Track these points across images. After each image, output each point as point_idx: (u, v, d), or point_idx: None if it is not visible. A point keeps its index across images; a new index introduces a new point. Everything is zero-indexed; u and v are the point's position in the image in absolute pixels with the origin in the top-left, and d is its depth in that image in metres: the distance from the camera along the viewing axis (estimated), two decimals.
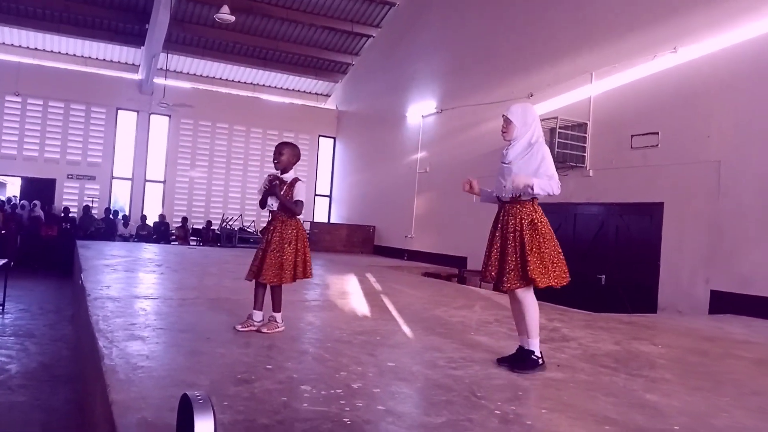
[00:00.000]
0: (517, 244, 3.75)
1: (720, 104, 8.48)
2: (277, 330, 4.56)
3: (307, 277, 4.68)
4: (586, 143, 10.40)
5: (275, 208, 4.57)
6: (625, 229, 9.75)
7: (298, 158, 4.72)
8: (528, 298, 3.81)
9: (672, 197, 9.00)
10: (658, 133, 9.25)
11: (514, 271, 3.73)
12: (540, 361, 3.82)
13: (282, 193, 4.52)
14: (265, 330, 4.53)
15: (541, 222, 3.79)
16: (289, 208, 4.51)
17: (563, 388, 3.48)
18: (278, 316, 4.61)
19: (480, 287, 10.67)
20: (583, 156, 10.39)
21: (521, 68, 12.07)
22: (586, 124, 10.41)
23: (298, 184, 4.58)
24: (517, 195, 3.81)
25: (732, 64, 8.35)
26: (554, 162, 10.92)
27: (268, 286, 4.59)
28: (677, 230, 8.90)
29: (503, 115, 3.95)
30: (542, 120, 10.26)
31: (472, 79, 13.62)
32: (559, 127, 10.23)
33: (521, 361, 3.81)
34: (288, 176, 4.61)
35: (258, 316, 4.59)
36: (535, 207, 3.83)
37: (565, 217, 10.72)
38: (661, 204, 9.12)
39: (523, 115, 3.90)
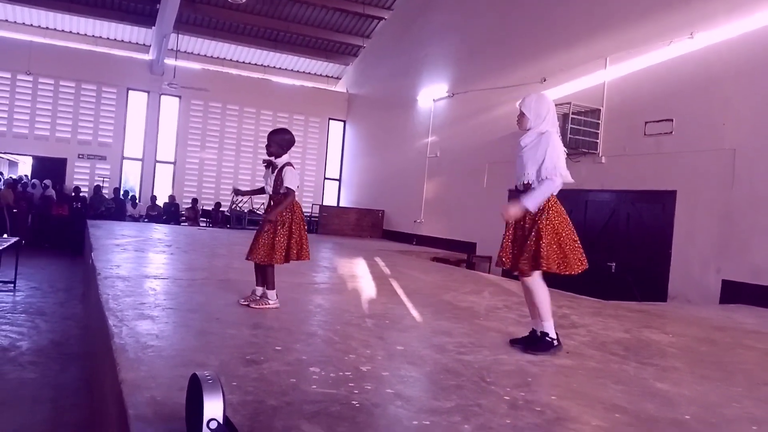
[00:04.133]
0: (528, 232, 3.77)
1: (736, 92, 8.35)
2: (266, 306, 4.65)
3: (302, 259, 4.77)
4: (599, 129, 10.30)
5: (271, 192, 4.72)
6: (637, 217, 9.67)
7: (290, 144, 4.78)
8: (535, 283, 3.82)
9: (685, 185, 8.90)
10: (672, 120, 9.13)
11: (527, 258, 3.74)
12: (555, 342, 3.84)
13: (274, 177, 4.66)
14: (253, 305, 4.65)
15: (552, 210, 3.77)
16: (285, 207, 4.60)
17: (573, 376, 3.46)
18: (271, 293, 4.70)
19: (489, 272, 10.66)
20: (596, 142, 10.29)
21: (534, 52, 11.93)
22: (600, 110, 10.30)
23: (287, 170, 4.65)
24: (530, 184, 3.82)
25: (749, 50, 8.21)
26: (567, 148, 10.87)
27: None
28: (689, 219, 8.82)
29: (518, 106, 3.96)
30: (555, 105, 10.29)
31: (484, 63, 13.49)
32: (572, 113, 10.12)
33: (534, 342, 3.86)
34: (280, 161, 4.71)
35: (259, 291, 4.74)
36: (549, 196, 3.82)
37: (576, 203, 10.63)
38: (674, 192, 9.04)
39: (536, 107, 3.88)
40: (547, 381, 3.31)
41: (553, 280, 3.92)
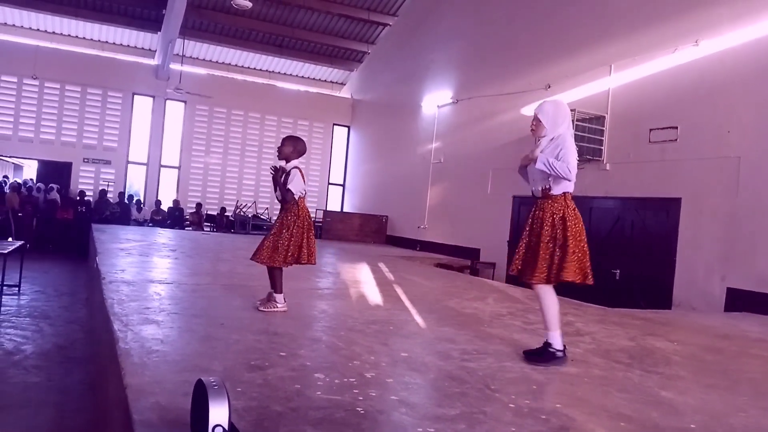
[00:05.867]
0: (546, 240, 3.74)
1: (741, 99, 8.34)
2: (275, 310, 4.76)
3: (306, 263, 4.86)
4: (603, 136, 10.29)
5: (280, 198, 4.90)
6: (641, 224, 9.65)
7: (302, 152, 4.96)
8: (545, 292, 3.79)
9: (690, 193, 8.89)
10: (677, 128, 9.12)
11: (541, 266, 3.71)
12: (559, 353, 3.77)
13: (281, 180, 4.82)
14: (262, 308, 4.77)
15: (573, 219, 3.76)
16: (282, 193, 4.80)
17: (577, 383, 3.45)
18: (279, 296, 4.81)
19: (493, 279, 10.65)
20: (601, 149, 10.28)
21: (539, 59, 11.94)
22: (604, 116, 10.29)
23: (293, 172, 4.82)
24: (548, 189, 3.80)
25: (754, 58, 8.20)
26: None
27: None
28: (694, 226, 8.80)
29: (534, 112, 3.91)
30: None
31: (489, 69, 13.51)
32: (577, 120, 10.09)
33: (538, 353, 3.80)
34: (289, 166, 4.88)
35: (279, 297, 4.88)
36: (567, 202, 3.80)
37: (580, 210, 10.43)
38: (679, 199, 9.02)
39: (554, 116, 3.84)
40: (552, 389, 3.31)
41: (557, 286, 3.89)
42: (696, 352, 4.78)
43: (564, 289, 4.11)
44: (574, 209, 3.81)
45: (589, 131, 10.22)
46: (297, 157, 4.90)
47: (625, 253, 9.74)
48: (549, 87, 11.42)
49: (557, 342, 3.78)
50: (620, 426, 2.76)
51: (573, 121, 9.86)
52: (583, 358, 4.11)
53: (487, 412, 2.79)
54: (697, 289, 8.65)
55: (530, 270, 3.75)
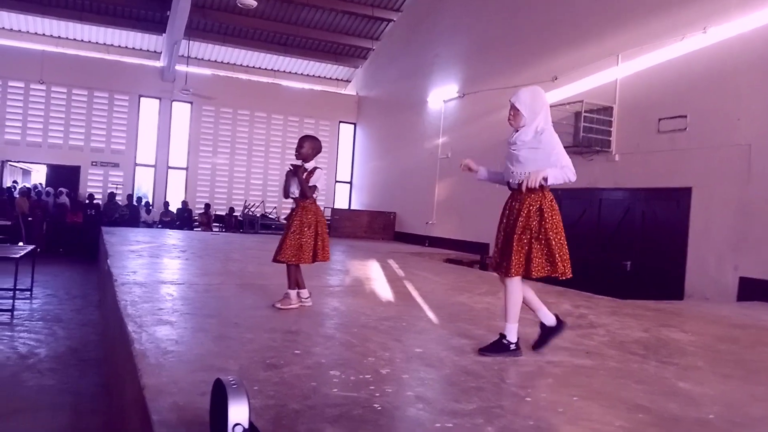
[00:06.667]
0: (520, 232, 3.62)
1: (751, 86, 8.27)
2: (291, 306, 4.86)
3: (325, 260, 5.04)
4: (612, 127, 10.23)
5: (297, 195, 4.95)
6: (652, 215, 9.59)
7: (319, 151, 5.08)
8: (515, 284, 3.68)
9: (700, 182, 8.83)
10: (686, 117, 9.06)
11: (516, 259, 3.60)
12: (512, 346, 3.68)
13: (304, 177, 4.90)
14: (278, 305, 4.85)
15: (550, 210, 3.63)
16: (304, 189, 4.87)
17: (593, 376, 3.43)
18: (292, 293, 4.91)
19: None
20: (609, 140, 10.22)
21: (545, 51, 11.88)
22: (612, 107, 10.23)
23: (317, 172, 4.97)
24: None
25: (763, 44, 8.12)
26: (580, 147, 10.68)
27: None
28: (705, 216, 8.74)
29: (510, 101, 3.81)
30: (567, 104, 10.29)
31: (494, 62, 13.46)
32: (585, 111, 10.06)
33: (492, 343, 3.75)
34: (309, 165, 4.98)
35: (305, 293, 5.02)
36: (545, 193, 3.67)
37: (590, 202, 10.58)
38: (689, 189, 8.96)
39: (531, 103, 3.73)
40: (568, 381, 3.29)
41: (568, 280, 3.84)
42: (711, 343, 4.75)
43: (574, 281, 4.08)
44: (551, 200, 3.68)
45: (597, 122, 10.16)
46: (314, 156, 5.00)
47: (636, 245, 9.69)
48: (556, 79, 11.37)
49: (513, 335, 3.69)
50: (638, 417, 2.74)
51: (581, 113, 9.99)
52: (598, 350, 4.09)
53: (504, 406, 2.78)
54: (710, 279, 8.59)
55: (506, 264, 3.63)
